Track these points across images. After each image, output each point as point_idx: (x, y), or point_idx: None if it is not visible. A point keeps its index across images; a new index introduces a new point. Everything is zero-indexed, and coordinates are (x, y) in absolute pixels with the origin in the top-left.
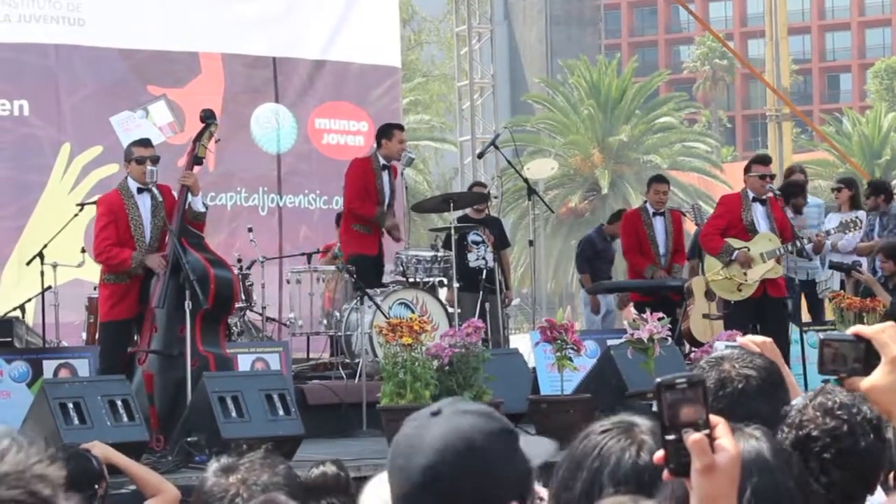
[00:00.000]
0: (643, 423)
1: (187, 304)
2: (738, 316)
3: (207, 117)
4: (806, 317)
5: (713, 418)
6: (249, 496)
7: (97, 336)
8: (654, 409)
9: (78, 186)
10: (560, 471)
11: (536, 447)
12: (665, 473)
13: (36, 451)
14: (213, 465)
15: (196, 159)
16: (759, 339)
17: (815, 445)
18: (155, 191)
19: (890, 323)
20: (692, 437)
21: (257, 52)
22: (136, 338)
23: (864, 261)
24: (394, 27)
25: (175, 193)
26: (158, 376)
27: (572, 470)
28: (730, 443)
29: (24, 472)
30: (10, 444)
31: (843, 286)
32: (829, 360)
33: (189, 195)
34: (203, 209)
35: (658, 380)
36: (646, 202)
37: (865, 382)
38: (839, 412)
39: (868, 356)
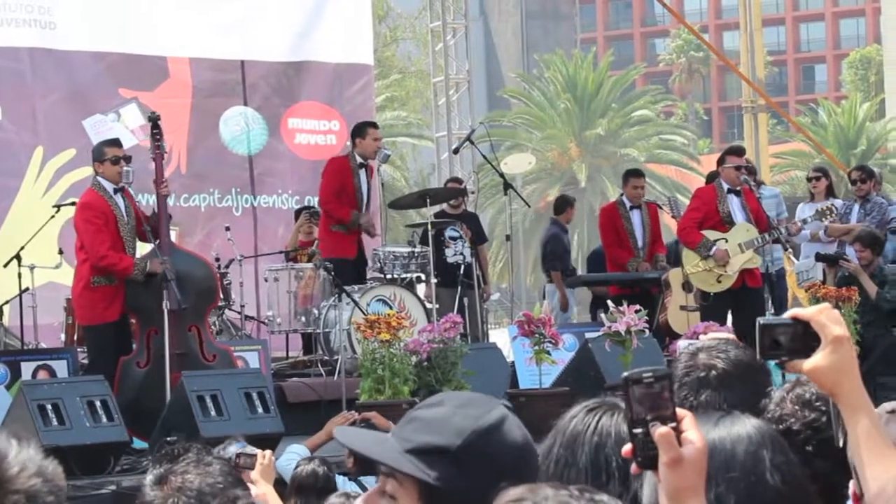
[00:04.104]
0: (621, 402)
1: (182, 304)
2: (717, 307)
3: (155, 118)
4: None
5: (680, 411)
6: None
7: (87, 340)
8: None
9: (51, 190)
10: (553, 451)
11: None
12: (633, 467)
13: (34, 447)
14: (149, 477)
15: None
16: (723, 335)
17: (797, 438)
18: (131, 190)
19: (826, 304)
20: (659, 431)
21: (225, 56)
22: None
23: (851, 250)
24: (366, 25)
25: (133, 195)
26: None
27: (569, 448)
28: (696, 435)
29: (38, 464)
30: (8, 443)
31: (825, 277)
32: (769, 345)
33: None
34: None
35: (624, 374)
36: (622, 195)
37: (808, 364)
38: (817, 403)
39: (806, 338)
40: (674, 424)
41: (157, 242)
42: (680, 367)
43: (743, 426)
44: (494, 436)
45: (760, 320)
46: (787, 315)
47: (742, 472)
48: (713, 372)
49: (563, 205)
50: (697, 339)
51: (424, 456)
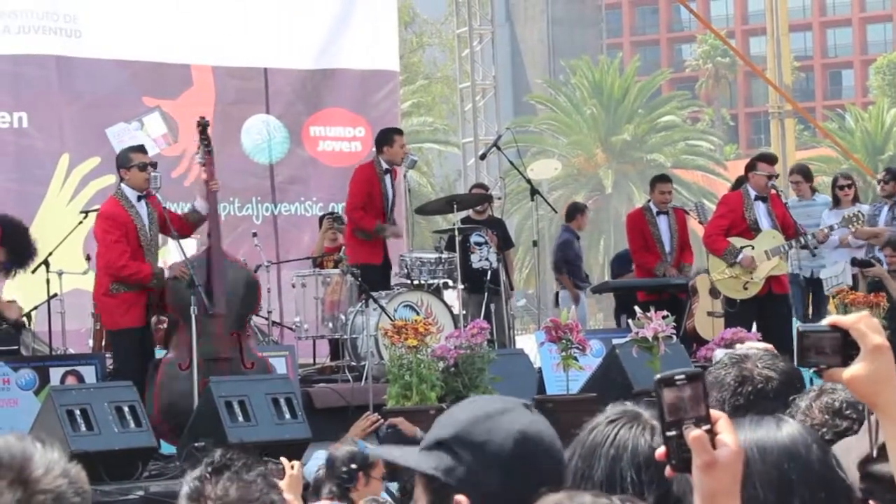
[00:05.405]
0: (645, 411)
1: (209, 309)
2: (742, 313)
3: (205, 124)
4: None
5: (714, 413)
6: None
7: (112, 345)
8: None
9: (77, 197)
10: (572, 463)
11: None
12: (667, 469)
13: (58, 450)
14: (184, 489)
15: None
16: (761, 345)
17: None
18: (158, 196)
19: (865, 312)
20: (692, 434)
21: (248, 64)
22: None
23: (883, 256)
24: (392, 31)
25: (160, 200)
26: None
27: (587, 460)
28: (731, 438)
29: (63, 466)
30: (33, 446)
31: (856, 281)
32: (808, 352)
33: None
34: (204, 212)
35: (657, 376)
36: (649, 201)
37: (847, 373)
38: (847, 412)
39: (845, 347)
40: (708, 427)
41: (207, 248)
42: (729, 377)
43: (805, 430)
44: (487, 424)
45: (800, 327)
46: (825, 322)
47: (820, 480)
48: (770, 385)
49: (574, 212)
50: (731, 346)
51: (429, 451)
